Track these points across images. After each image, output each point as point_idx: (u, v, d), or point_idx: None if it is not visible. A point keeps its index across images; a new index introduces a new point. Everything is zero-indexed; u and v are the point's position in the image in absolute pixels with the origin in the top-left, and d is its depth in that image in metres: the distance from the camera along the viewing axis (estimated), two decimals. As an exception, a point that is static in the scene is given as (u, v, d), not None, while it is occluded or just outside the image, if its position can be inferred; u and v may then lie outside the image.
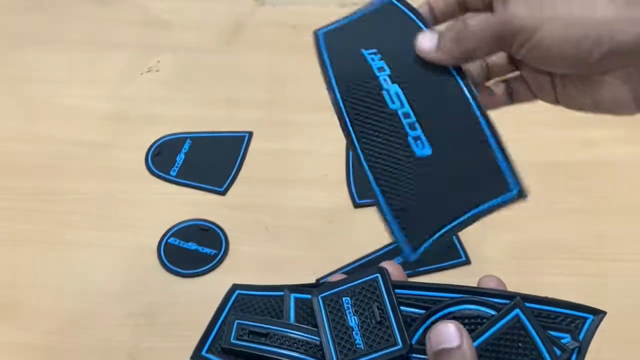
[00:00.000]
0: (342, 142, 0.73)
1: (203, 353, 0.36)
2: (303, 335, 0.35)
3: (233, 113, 0.75)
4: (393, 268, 0.37)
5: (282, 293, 0.38)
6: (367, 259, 0.61)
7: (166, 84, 0.78)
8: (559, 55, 0.33)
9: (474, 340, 0.32)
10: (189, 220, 0.64)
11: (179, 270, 0.60)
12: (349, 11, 0.45)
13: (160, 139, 0.72)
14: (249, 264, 0.61)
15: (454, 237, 0.62)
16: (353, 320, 0.34)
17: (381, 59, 0.38)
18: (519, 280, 0.59)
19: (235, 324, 0.36)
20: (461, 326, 0.32)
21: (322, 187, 0.67)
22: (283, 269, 0.61)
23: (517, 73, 0.40)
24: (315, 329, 0.35)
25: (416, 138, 0.37)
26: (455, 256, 0.61)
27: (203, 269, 0.61)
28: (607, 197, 0.65)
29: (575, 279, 0.59)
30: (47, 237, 0.63)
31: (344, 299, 0.35)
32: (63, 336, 0.56)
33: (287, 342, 0.35)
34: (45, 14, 0.88)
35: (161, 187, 0.68)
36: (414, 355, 0.33)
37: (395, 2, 0.40)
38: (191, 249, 0.62)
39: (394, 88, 0.37)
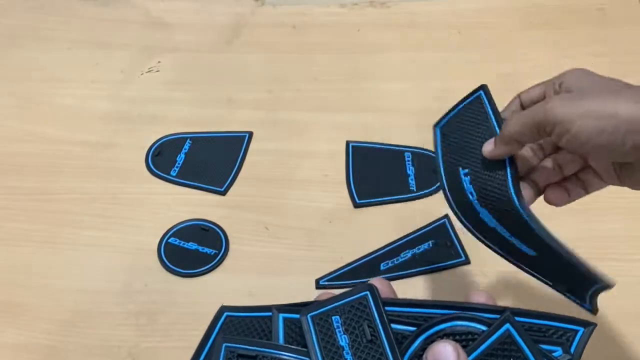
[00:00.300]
0: (342, 142, 0.73)
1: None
2: (293, 357, 0.34)
3: (233, 113, 0.75)
4: (382, 285, 0.37)
5: (270, 313, 0.37)
6: (367, 258, 0.61)
7: (166, 84, 0.78)
8: (597, 145, 0.37)
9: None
10: (189, 220, 0.64)
11: (179, 270, 0.61)
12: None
13: (161, 139, 0.72)
14: (249, 264, 0.61)
15: (453, 236, 0.62)
16: (343, 340, 0.34)
17: (467, 175, 0.44)
18: (519, 280, 0.59)
19: (224, 347, 0.35)
20: (458, 345, 0.32)
21: (322, 187, 0.67)
22: (283, 269, 0.61)
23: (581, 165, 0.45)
24: (305, 350, 0.34)
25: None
26: (455, 256, 0.61)
27: (203, 268, 0.61)
28: (607, 197, 0.65)
29: (575, 279, 0.59)
30: (47, 237, 0.63)
31: (333, 317, 0.35)
32: (63, 336, 0.56)
33: None
34: (45, 14, 0.88)
35: (161, 187, 0.68)
36: None
37: (483, 97, 0.44)
38: (191, 249, 0.62)
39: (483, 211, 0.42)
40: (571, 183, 0.45)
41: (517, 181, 0.41)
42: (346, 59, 0.80)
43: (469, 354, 0.32)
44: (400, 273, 0.60)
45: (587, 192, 0.46)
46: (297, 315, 0.36)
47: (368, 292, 0.35)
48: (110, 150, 0.71)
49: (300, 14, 0.86)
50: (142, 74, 0.80)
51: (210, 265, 0.61)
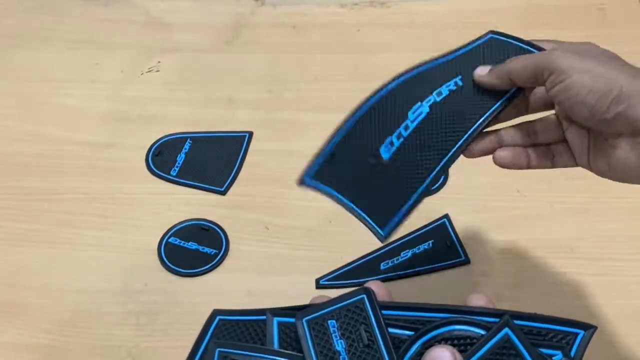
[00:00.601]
0: (342, 142, 0.73)
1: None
2: None
3: (233, 113, 0.75)
4: (378, 288, 0.37)
5: (264, 317, 0.36)
6: (366, 258, 0.61)
7: (166, 84, 0.78)
8: (582, 103, 0.38)
9: None
10: (190, 220, 0.64)
11: (180, 269, 0.61)
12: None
13: (161, 139, 0.72)
14: (249, 264, 0.61)
15: (453, 236, 0.62)
16: (340, 344, 0.33)
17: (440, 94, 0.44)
18: (519, 280, 0.59)
19: (217, 352, 0.34)
20: (455, 350, 0.32)
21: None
22: (283, 268, 0.61)
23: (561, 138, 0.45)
24: (301, 355, 0.34)
25: (391, 143, 0.42)
26: (455, 256, 0.61)
27: (203, 268, 0.61)
28: (607, 197, 0.65)
29: (574, 279, 0.59)
30: (47, 237, 0.63)
31: (329, 322, 0.34)
32: (63, 336, 0.56)
33: None
34: (45, 14, 0.88)
35: (161, 187, 0.68)
36: None
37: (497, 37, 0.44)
38: (191, 249, 0.62)
39: (425, 109, 0.43)
40: (539, 151, 0.45)
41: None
42: (346, 59, 0.80)
43: (467, 359, 0.32)
44: (400, 273, 0.60)
45: (553, 166, 0.45)
46: (292, 320, 0.35)
47: (365, 296, 0.35)
48: (110, 150, 0.71)
49: (301, 14, 0.86)
50: (142, 74, 0.80)
51: (210, 265, 0.61)
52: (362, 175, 0.43)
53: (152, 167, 0.69)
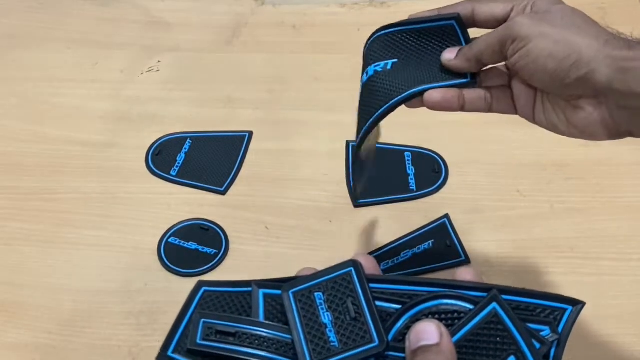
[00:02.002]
0: (342, 142, 0.73)
1: (169, 353, 0.34)
2: (273, 334, 0.33)
3: (233, 113, 0.75)
4: (367, 261, 0.36)
5: (250, 289, 0.36)
6: (367, 258, 0.61)
7: (166, 83, 0.78)
8: (542, 68, 0.37)
9: (452, 336, 0.32)
10: (189, 220, 0.64)
11: (180, 269, 0.61)
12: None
13: (161, 138, 0.72)
14: (249, 264, 0.61)
15: (453, 236, 0.62)
16: (326, 317, 0.33)
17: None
18: (519, 280, 0.59)
19: (202, 323, 0.34)
20: (441, 324, 0.32)
21: (322, 187, 0.67)
22: (283, 268, 0.61)
23: (505, 82, 0.44)
24: (287, 327, 0.33)
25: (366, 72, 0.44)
26: (455, 256, 0.61)
27: (203, 268, 0.61)
28: (607, 197, 0.65)
29: (574, 279, 0.59)
30: (47, 237, 0.63)
31: (316, 294, 0.34)
32: (63, 336, 0.56)
33: (256, 342, 0.33)
34: (45, 14, 0.88)
35: (161, 187, 0.68)
36: (390, 353, 0.32)
37: (455, 25, 0.43)
38: (191, 249, 0.62)
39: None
40: (475, 94, 0.43)
41: None
42: (346, 59, 0.80)
43: (454, 333, 0.32)
44: (400, 273, 0.60)
45: (489, 110, 0.43)
46: (278, 292, 0.34)
47: (352, 269, 0.34)
48: (110, 150, 0.71)
49: (301, 14, 0.86)
50: (142, 74, 0.80)
51: (210, 264, 0.61)
52: None
53: (152, 166, 0.69)
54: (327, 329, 0.32)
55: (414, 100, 0.43)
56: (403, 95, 0.42)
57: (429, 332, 0.31)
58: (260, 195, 0.67)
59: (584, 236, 0.62)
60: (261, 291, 0.35)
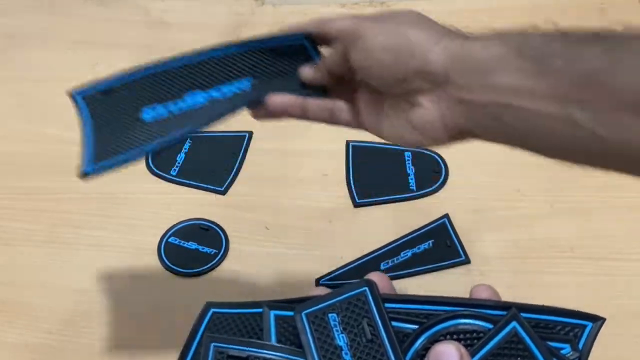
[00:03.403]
0: (342, 142, 0.73)
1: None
2: (287, 357, 0.32)
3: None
4: (380, 279, 0.35)
5: (260, 310, 0.35)
6: (366, 258, 0.61)
7: (166, 84, 0.78)
8: (378, 63, 0.37)
9: (471, 356, 0.31)
10: (189, 220, 0.64)
11: (179, 269, 0.61)
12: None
13: (161, 138, 0.72)
14: (249, 264, 0.61)
15: (453, 236, 0.62)
16: (341, 339, 0.32)
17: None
18: (519, 280, 0.59)
19: (212, 347, 0.33)
20: (460, 345, 0.31)
21: (322, 187, 0.67)
22: (283, 268, 0.61)
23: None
24: (300, 350, 0.32)
25: (154, 109, 0.42)
26: (455, 255, 0.61)
27: (203, 268, 0.61)
28: (607, 197, 0.65)
29: (574, 278, 0.59)
30: (47, 237, 0.63)
31: (330, 315, 0.32)
32: (63, 336, 0.56)
33: None
34: (45, 14, 0.88)
35: (161, 187, 0.68)
36: None
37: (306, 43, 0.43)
38: (191, 249, 0.62)
39: (201, 100, 0.42)
40: (319, 104, 0.43)
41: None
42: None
43: (474, 354, 0.31)
44: (400, 273, 0.60)
45: (333, 121, 0.43)
46: (290, 313, 0.34)
47: (367, 288, 0.33)
48: (110, 150, 0.71)
49: (301, 14, 0.86)
50: (142, 74, 0.79)
51: (210, 264, 0.61)
52: (116, 117, 0.43)
53: (152, 166, 0.69)
54: (343, 352, 0.31)
55: (260, 108, 0.43)
56: (245, 101, 0.42)
57: (448, 353, 0.30)
58: (260, 195, 0.67)
59: (584, 236, 0.62)
60: (272, 312, 0.34)
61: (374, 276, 0.35)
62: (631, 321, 0.56)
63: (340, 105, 0.42)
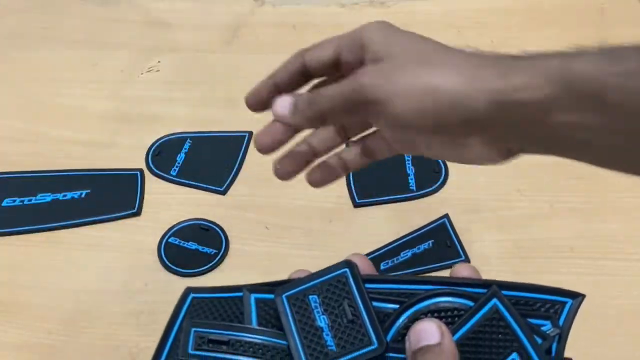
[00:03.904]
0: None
1: None
2: (268, 340, 0.32)
3: (233, 113, 0.75)
4: (362, 261, 0.35)
5: (240, 294, 0.35)
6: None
7: (166, 84, 0.78)
8: (418, 125, 0.33)
9: (453, 334, 0.31)
10: (189, 220, 0.64)
11: (179, 269, 0.61)
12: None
13: (161, 138, 0.72)
14: (249, 264, 0.61)
15: (453, 236, 0.62)
16: (322, 320, 0.32)
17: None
18: (519, 280, 0.59)
19: (192, 332, 0.32)
20: (441, 323, 0.31)
21: (322, 187, 0.67)
22: (283, 268, 0.60)
23: (373, 131, 0.40)
24: (281, 332, 0.32)
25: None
26: (455, 255, 0.61)
27: (203, 268, 0.61)
28: (607, 197, 0.65)
29: (575, 278, 0.59)
30: (47, 237, 0.63)
31: (310, 297, 0.32)
32: (63, 335, 0.56)
33: (251, 349, 0.32)
34: (45, 14, 0.88)
35: (161, 187, 0.68)
36: (390, 354, 0.31)
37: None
38: (191, 249, 0.62)
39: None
40: (355, 151, 0.40)
41: None
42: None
43: (455, 332, 0.31)
44: (400, 273, 0.60)
45: (374, 159, 0.40)
46: (271, 296, 0.33)
47: (347, 269, 0.33)
48: (110, 150, 0.71)
49: (300, 14, 0.86)
50: (142, 74, 0.80)
51: (210, 264, 0.61)
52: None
53: (152, 166, 0.69)
54: (324, 333, 0.31)
55: None
56: None
57: (429, 331, 0.30)
58: (260, 195, 0.67)
59: (584, 236, 0.62)
60: (253, 296, 0.34)
61: (355, 257, 0.35)
62: (631, 321, 0.56)
63: (376, 142, 0.40)
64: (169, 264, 0.61)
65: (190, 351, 0.32)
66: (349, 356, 0.31)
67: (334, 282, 0.33)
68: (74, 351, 0.55)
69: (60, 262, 0.61)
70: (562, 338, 0.33)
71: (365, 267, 0.35)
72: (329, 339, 0.31)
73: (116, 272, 0.60)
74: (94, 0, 0.89)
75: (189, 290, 0.36)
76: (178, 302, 0.35)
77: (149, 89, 0.78)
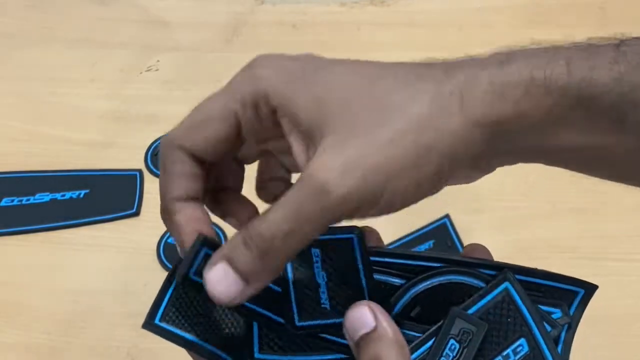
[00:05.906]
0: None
1: (156, 322, 0.31)
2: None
3: (233, 112, 0.75)
4: (371, 235, 0.33)
5: None
6: (367, 258, 0.61)
7: (166, 83, 0.78)
8: (414, 200, 0.29)
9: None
10: (189, 220, 0.64)
11: (179, 270, 0.60)
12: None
13: (160, 138, 0.72)
14: (248, 264, 0.61)
15: (453, 236, 0.62)
16: (321, 277, 0.31)
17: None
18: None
19: (203, 252, 0.29)
20: (374, 304, 0.28)
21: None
22: (283, 268, 0.61)
23: None
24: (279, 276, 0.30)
25: None
26: (456, 256, 0.61)
27: (203, 268, 0.60)
28: (609, 197, 0.65)
29: (575, 279, 0.59)
30: (47, 237, 0.63)
31: (313, 250, 0.31)
32: (63, 336, 0.56)
33: None
34: (45, 14, 0.88)
35: (161, 187, 0.67)
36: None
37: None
38: (191, 249, 0.62)
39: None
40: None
41: None
42: (346, 57, 0.80)
43: (465, 309, 0.30)
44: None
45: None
46: None
47: (354, 236, 0.32)
48: (109, 150, 0.71)
49: (300, 13, 0.86)
50: (141, 73, 0.79)
51: (209, 265, 0.61)
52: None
53: (152, 166, 0.69)
54: (320, 290, 0.30)
55: None
56: None
57: (362, 318, 0.27)
58: (260, 195, 0.66)
59: (586, 236, 0.62)
60: None
61: (366, 230, 0.33)
62: (631, 321, 0.55)
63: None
64: (169, 264, 0.61)
65: (193, 277, 0.28)
66: (342, 319, 0.29)
67: (340, 243, 0.32)
68: (72, 352, 0.55)
69: (59, 262, 0.61)
70: (572, 327, 0.32)
71: (375, 241, 0.34)
72: (324, 298, 0.30)
73: (115, 273, 0.60)
74: (93, -1, 0.89)
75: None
76: (191, 250, 0.30)
77: (149, 88, 0.78)
